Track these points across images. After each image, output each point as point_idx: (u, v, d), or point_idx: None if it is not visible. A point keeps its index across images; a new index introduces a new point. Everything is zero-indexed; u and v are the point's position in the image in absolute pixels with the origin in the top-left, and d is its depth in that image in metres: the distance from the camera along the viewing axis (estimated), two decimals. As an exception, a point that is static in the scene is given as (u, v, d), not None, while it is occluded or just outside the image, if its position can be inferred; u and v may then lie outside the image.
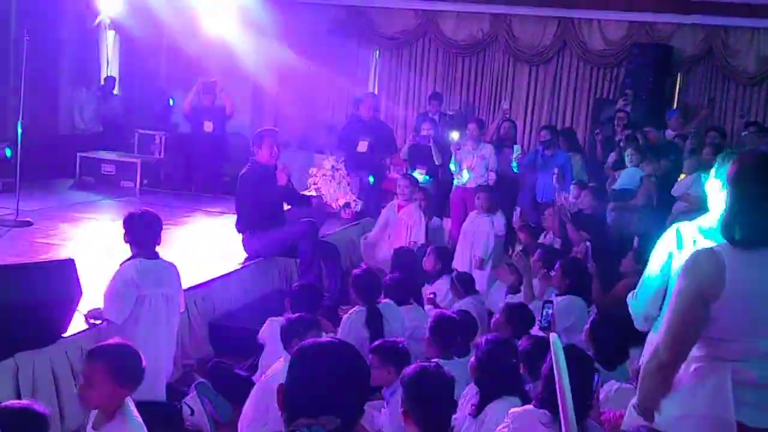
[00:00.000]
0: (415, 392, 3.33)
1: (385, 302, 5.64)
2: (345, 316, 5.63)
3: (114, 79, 12.87)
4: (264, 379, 4.67)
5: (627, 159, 9.17)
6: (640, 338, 3.70)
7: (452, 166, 9.35)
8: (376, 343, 4.68)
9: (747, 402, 2.72)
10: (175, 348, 5.27)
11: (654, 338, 3.43)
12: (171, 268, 5.18)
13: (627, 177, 8.98)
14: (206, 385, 5.09)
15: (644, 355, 3.50)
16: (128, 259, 5.04)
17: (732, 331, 2.73)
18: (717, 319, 2.72)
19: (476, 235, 8.18)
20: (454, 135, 9.59)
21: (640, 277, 3.43)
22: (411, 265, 6.73)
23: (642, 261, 3.50)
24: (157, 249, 5.14)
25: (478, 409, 3.90)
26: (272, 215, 7.23)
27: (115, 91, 12.95)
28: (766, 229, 2.74)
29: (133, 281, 4.89)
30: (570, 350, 3.09)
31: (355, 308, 5.65)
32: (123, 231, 5.08)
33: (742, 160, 2.88)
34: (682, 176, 8.69)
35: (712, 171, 3.34)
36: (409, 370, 3.50)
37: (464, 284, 6.49)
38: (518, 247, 8.11)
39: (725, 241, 2.79)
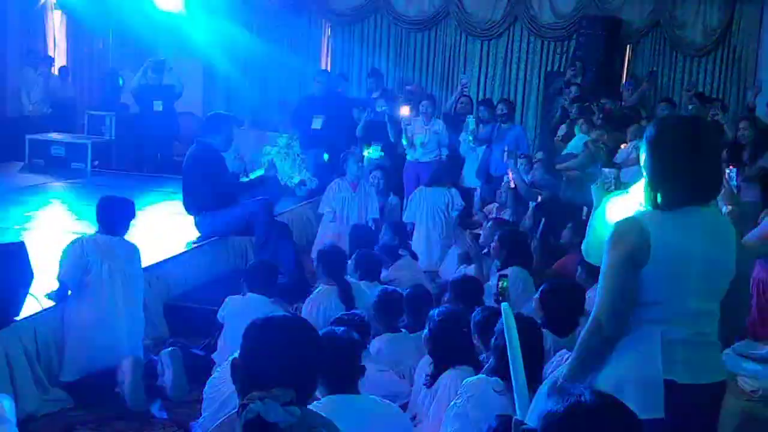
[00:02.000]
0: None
1: (349, 280, 5.67)
2: (314, 293, 5.59)
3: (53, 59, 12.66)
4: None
5: (577, 128, 9.26)
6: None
7: (404, 141, 9.38)
8: (337, 317, 4.70)
9: (677, 360, 2.76)
10: (142, 327, 5.36)
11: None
12: (131, 247, 5.31)
13: (573, 144, 9.08)
14: (177, 353, 5.07)
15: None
16: None
17: (661, 292, 2.77)
18: (646, 283, 2.76)
19: (430, 208, 8.21)
20: (404, 110, 9.61)
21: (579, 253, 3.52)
22: (368, 242, 6.75)
23: (581, 234, 3.58)
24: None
25: (432, 379, 3.96)
26: (225, 196, 7.18)
27: (61, 72, 12.74)
28: (684, 190, 2.79)
29: (82, 249, 5.09)
30: (517, 319, 3.13)
31: (318, 288, 5.64)
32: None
33: (660, 125, 2.93)
34: (623, 145, 8.86)
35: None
36: None
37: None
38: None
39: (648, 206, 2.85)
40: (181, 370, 5.03)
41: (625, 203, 3.39)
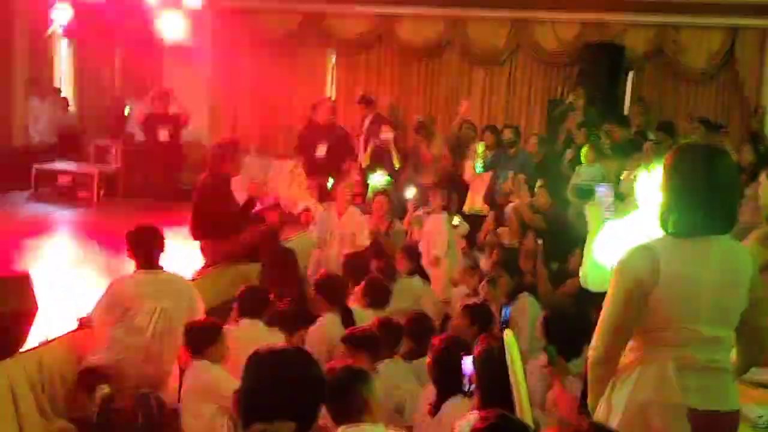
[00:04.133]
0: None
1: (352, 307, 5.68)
2: (317, 323, 5.60)
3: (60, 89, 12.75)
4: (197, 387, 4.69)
5: (584, 156, 9.24)
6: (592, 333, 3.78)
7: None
8: (346, 332, 4.71)
9: (691, 387, 2.78)
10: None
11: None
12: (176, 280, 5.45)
13: (589, 173, 9.04)
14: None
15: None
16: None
17: (671, 319, 2.79)
18: (655, 310, 2.78)
19: (431, 233, 8.19)
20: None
21: None
22: (363, 272, 6.71)
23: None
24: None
25: (435, 407, 3.96)
26: (232, 224, 7.22)
27: (70, 102, 12.84)
28: (699, 219, 2.80)
29: (122, 293, 5.15)
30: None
31: (323, 315, 5.65)
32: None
33: (678, 152, 2.94)
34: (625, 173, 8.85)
35: (649, 168, 3.42)
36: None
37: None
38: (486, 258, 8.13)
39: (660, 233, 2.87)
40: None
41: (624, 230, 3.41)
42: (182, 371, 5.03)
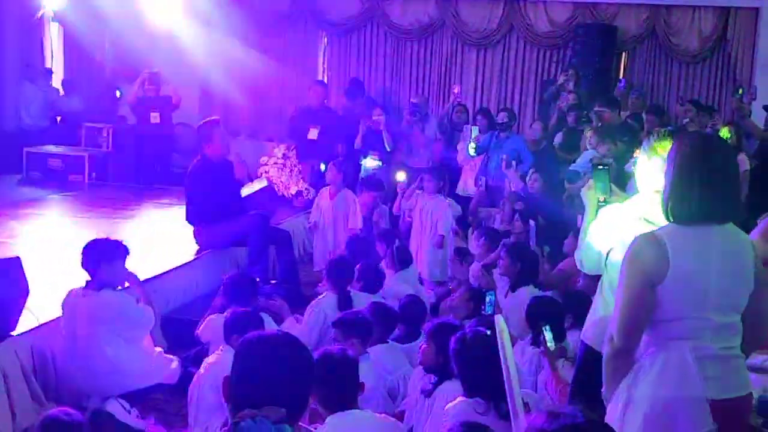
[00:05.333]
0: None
1: (352, 291, 5.71)
2: (313, 303, 5.69)
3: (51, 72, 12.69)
4: (204, 372, 4.67)
5: (587, 141, 9.17)
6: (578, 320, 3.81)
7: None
8: (337, 316, 4.73)
9: (709, 376, 2.80)
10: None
11: (594, 317, 3.54)
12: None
13: (583, 159, 8.98)
14: None
15: (586, 329, 3.61)
16: None
17: (680, 310, 2.81)
18: (663, 301, 2.80)
19: (434, 215, 8.16)
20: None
21: None
22: (366, 253, 6.74)
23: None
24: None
25: (428, 392, 3.98)
26: (226, 208, 7.20)
27: (61, 86, 12.77)
28: (706, 207, 2.81)
29: None
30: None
31: (323, 295, 5.75)
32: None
33: (686, 141, 2.95)
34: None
35: (644, 151, 3.41)
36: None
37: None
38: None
39: (665, 220, 2.88)
40: None
41: (622, 214, 3.40)
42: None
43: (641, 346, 2.89)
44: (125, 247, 5.14)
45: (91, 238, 5.18)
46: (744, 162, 8.10)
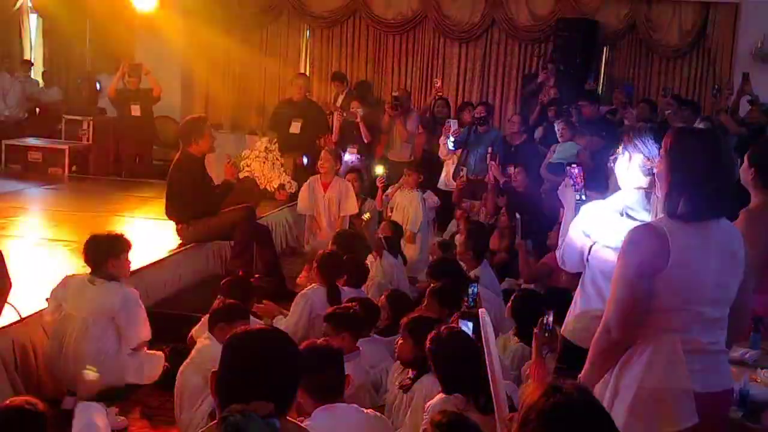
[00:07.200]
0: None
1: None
2: (300, 294, 5.69)
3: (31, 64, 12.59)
4: (190, 361, 4.67)
5: (558, 133, 9.23)
6: (560, 317, 3.83)
7: None
8: (328, 311, 4.73)
9: (696, 369, 2.81)
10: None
11: (576, 309, 3.55)
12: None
13: (563, 151, 9.04)
14: None
15: (566, 323, 3.62)
16: None
17: (676, 301, 2.81)
18: (659, 291, 2.79)
19: (407, 210, 8.20)
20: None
21: None
22: (353, 246, 6.71)
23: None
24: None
25: (412, 381, 3.99)
26: (210, 205, 7.18)
27: (40, 77, 12.69)
28: (706, 203, 2.82)
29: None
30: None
31: (310, 286, 5.76)
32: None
33: (683, 136, 2.94)
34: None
35: (625, 147, 3.41)
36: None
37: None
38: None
39: (655, 215, 2.89)
40: None
41: (603, 211, 3.42)
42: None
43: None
44: (128, 240, 5.18)
45: (90, 234, 5.19)
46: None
